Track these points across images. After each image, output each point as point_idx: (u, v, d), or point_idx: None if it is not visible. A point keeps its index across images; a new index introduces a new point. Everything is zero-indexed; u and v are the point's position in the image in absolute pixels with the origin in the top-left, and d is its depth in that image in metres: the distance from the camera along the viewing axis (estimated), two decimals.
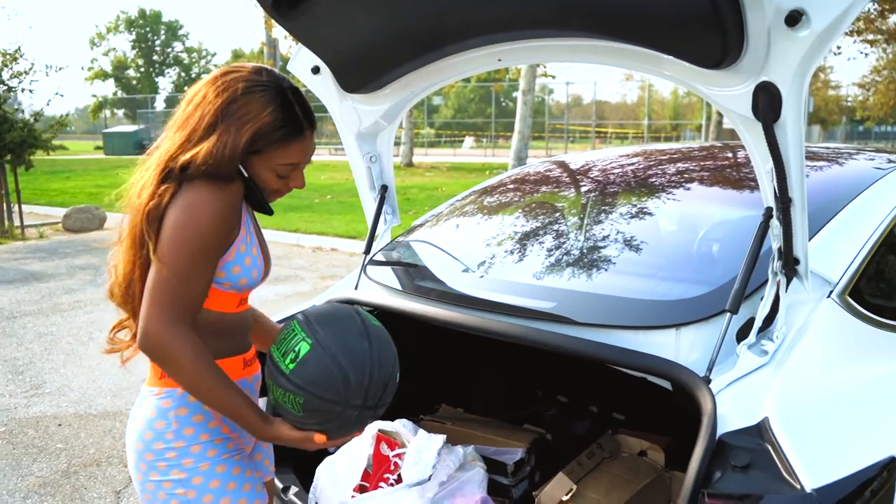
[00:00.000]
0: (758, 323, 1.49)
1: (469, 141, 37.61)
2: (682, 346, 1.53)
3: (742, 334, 1.52)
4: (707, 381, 1.42)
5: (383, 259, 2.30)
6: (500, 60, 1.84)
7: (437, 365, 2.51)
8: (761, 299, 1.52)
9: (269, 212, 1.54)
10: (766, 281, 1.53)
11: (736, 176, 2.46)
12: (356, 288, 2.19)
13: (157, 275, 1.33)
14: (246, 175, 1.45)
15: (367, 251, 2.29)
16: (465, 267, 2.14)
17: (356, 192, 2.35)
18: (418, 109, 31.31)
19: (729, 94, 1.41)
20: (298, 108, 1.43)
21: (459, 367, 2.57)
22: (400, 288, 2.06)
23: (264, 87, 1.40)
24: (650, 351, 1.52)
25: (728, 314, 1.48)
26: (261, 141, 1.39)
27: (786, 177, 1.40)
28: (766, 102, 1.34)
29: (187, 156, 1.35)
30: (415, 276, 2.15)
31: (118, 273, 1.46)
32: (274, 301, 6.22)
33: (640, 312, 1.64)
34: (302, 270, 7.91)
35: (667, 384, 1.51)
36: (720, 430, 1.33)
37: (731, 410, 1.37)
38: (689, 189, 2.41)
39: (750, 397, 1.40)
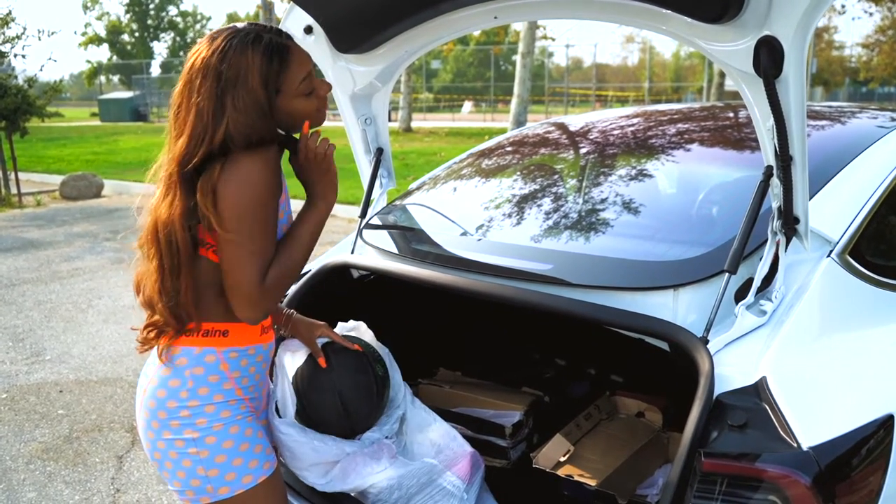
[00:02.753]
0: (756, 283, 1.48)
1: (468, 105, 37.26)
2: (680, 307, 1.52)
3: (740, 295, 1.50)
4: (705, 341, 1.41)
5: (379, 222, 2.28)
6: (496, 18, 1.79)
7: (435, 328, 2.51)
8: (760, 259, 1.51)
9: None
10: (766, 241, 1.52)
11: (736, 136, 2.43)
12: (352, 252, 2.18)
13: (234, 248, 1.35)
14: (282, 132, 1.47)
15: (363, 215, 2.26)
16: (463, 230, 2.12)
17: (352, 157, 2.32)
18: (417, 74, 30.94)
19: (730, 49, 1.38)
20: (267, 33, 1.41)
21: (457, 330, 2.57)
22: (396, 251, 2.05)
23: (228, 41, 1.37)
24: (648, 312, 1.51)
25: (726, 274, 1.47)
26: (270, 82, 1.38)
27: (787, 134, 1.37)
28: (768, 57, 1.31)
29: (218, 136, 1.34)
30: (411, 239, 2.13)
31: (146, 287, 1.44)
32: None
33: (638, 274, 1.63)
34: None
35: (664, 345, 1.50)
36: (717, 390, 1.33)
37: (728, 370, 1.37)
38: (688, 150, 2.38)
39: (747, 357, 1.39)
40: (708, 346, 1.40)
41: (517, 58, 14.85)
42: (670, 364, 1.61)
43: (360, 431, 1.73)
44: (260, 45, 1.37)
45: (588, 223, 2.00)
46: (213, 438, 1.42)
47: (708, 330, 1.43)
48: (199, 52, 1.38)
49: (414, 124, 22.22)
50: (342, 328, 1.83)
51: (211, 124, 1.34)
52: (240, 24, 1.43)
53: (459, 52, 46.05)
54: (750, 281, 1.51)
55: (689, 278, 1.53)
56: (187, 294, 1.40)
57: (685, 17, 1.39)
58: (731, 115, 2.66)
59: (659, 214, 2.05)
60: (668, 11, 1.42)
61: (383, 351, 1.85)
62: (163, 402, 1.43)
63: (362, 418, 1.72)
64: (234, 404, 1.46)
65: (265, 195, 1.36)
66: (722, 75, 18.85)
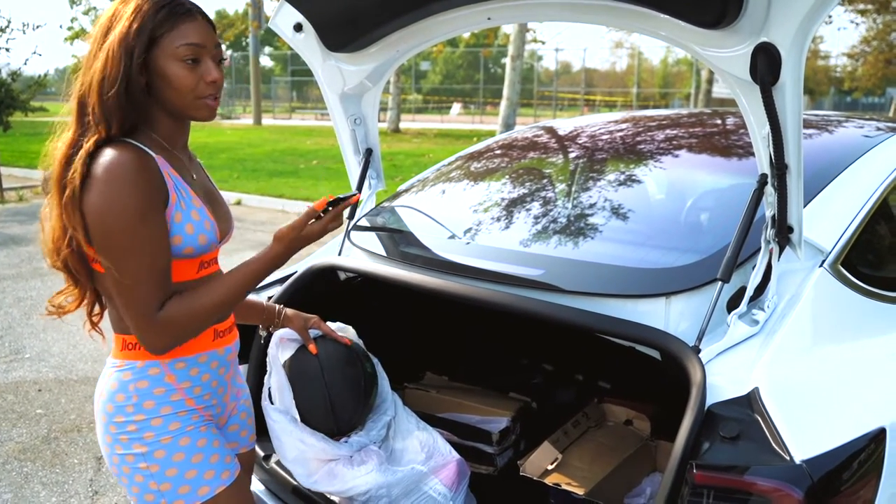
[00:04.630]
0: (749, 292, 1.47)
1: (457, 107, 37.26)
2: (672, 315, 1.50)
3: (733, 304, 1.49)
4: (697, 350, 1.39)
5: (368, 224, 2.25)
6: (489, 19, 1.77)
7: (422, 332, 2.48)
8: (753, 268, 1.50)
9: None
10: (758, 249, 1.50)
11: (726, 143, 2.42)
12: (339, 254, 2.15)
13: (114, 282, 1.27)
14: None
15: (351, 216, 2.23)
16: (451, 233, 2.10)
17: (342, 158, 2.29)
18: (406, 75, 30.91)
19: (726, 55, 1.37)
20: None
21: (445, 334, 2.54)
22: (384, 254, 2.02)
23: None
24: (639, 320, 1.49)
25: (719, 283, 1.45)
26: (145, 30, 1.27)
27: (782, 142, 1.36)
28: (765, 64, 1.29)
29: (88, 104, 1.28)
30: (399, 241, 2.10)
31: (48, 234, 1.37)
32: None
33: (630, 281, 1.61)
34: None
35: (654, 353, 1.49)
36: (709, 401, 1.31)
37: (720, 380, 1.35)
38: (678, 156, 2.37)
39: (740, 367, 1.38)
40: (700, 355, 1.38)
41: (507, 61, 14.87)
42: (659, 372, 1.59)
43: (344, 430, 1.70)
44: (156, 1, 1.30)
45: (579, 228, 1.98)
46: (163, 452, 1.37)
47: (700, 339, 1.41)
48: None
49: (402, 125, 22.19)
50: (332, 327, 1.81)
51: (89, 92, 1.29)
52: None
53: (449, 53, 46.06)
54: (742, 290, 1.49)
55: (681, 286, 1.51)
56: (111, 312, 1.36)
57: (681, 22, 1.38)
58: (720, 122, 2.65)
59: (650, 221, 2.04)
60: (664, 16, 1.40)
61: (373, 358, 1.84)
62: (111, 416, 1.38)
63: (348, 413, 1.70)
64: (185, 415, 1.40)
65: (137, 214, 1.23)
66: (709, 82, 18.98)
